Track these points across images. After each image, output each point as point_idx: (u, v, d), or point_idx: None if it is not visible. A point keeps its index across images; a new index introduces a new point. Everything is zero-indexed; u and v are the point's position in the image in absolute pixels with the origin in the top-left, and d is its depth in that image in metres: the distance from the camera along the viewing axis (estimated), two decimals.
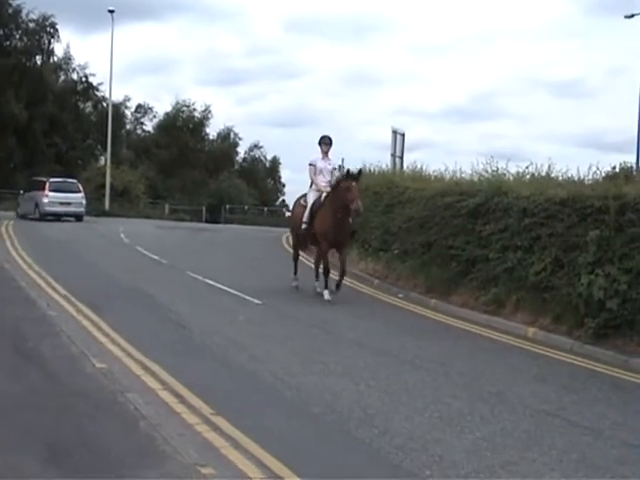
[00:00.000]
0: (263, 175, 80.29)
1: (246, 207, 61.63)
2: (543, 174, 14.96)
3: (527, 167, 15.49)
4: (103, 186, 47.45)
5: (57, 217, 33.78)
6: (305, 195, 15.92)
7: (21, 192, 38.68)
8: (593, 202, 12.30)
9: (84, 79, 62.22)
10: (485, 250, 14.35)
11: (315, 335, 11.52)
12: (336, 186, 14.59)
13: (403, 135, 24.72)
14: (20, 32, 57.09)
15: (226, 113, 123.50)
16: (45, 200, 33.74)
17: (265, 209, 63.25)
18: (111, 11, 47.59)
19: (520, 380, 9.64)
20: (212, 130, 75.19)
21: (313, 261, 16.26)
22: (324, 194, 15.09)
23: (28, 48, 57.07)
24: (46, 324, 10.81)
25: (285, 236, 28.86)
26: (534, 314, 13.10)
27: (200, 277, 16.54)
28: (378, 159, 17.54)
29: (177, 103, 71.88)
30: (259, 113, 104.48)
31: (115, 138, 53.18)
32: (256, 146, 79.79)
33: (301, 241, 16.29)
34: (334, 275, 14.99)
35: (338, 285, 14.84)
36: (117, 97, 64.72)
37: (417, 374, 9.39)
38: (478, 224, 14.67)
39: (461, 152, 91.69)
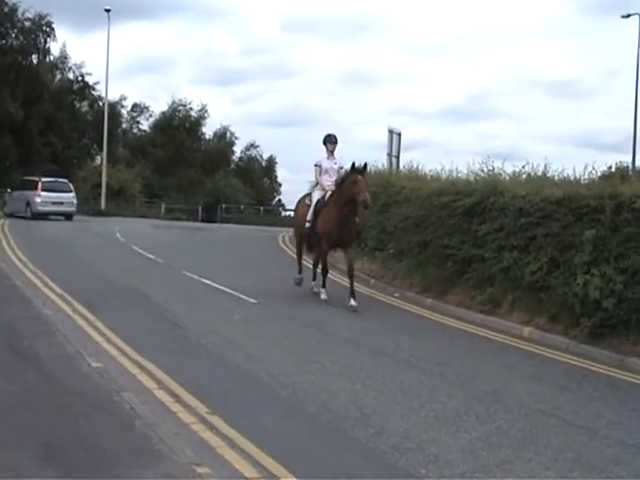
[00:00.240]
0: (259, 174, 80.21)
1: (242, 206, 61.57)
2: (539, 174, 14.97)
3: (523, 167, 15.52)
4: (99, 185, 47.42)
5: (44, 216, 33.88)
6: (309, 194, 15.80)
7: (8, 190, 38.65)
8: (589, 202, 12.30)
9: (80, 78, 62.10)
10: (481, 250, 14.36)
11: (311, 334, 11.52)
12: (341, 182, 14.28)
13: (399, 135, 24.73)
14: (16, 31, 56.93)
15: (222, 112, 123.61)
16: (38, 199, 33.98)
17: (261, 209, 63.17)
18: (107, 10, 47.64)
19: (516, 379, 9.65)
20: (208, 129, 75.28)
21: (312, 261, 16.00)
22: (329, 193, 14.77)
23: (24, 47, 56.93)
24: (42, 323, 10.80)
25: (281, 235, 28.89)
26: (530, 314, 13.11)
27: (196, 276, 16.53)
28: (374, 159, 17.56)
29: (173, 102, 71.95)
30: (255, 113, 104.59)
31: (111, 137, 53.11)
32: (252, 145, 79.81)
33: (306, 242, 15.84)
34: (334, 276, 14.98)
35: (353, 294, 13.93)
36: (113, 96, 64.68)
37: (413, 373, 9.40)
38: (474, 224, 14.67)
39: (458, 152, 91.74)
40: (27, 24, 57.42)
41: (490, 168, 15.96)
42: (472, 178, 16.28)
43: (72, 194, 35.62)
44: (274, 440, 6.46)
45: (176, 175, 67.34)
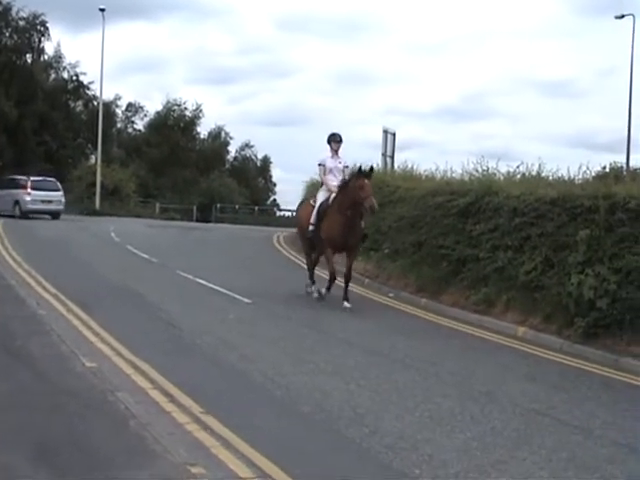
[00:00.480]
0: (254, 174, 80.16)
1: (237, 206, 61.57)
2: (533, 174, 15.00)
3: (518, 167, 15.56)
4: (94, 185, 47.32)
5: (26, 215, 33.99)
6: (306, 200, 15.56)
7: None
8: (583, 202, 12.33)
9: (75, 78, 61.97)
10: (475, 250, 14.37)
11: (305, 334, 11.51)
12: (345, 185, 13.99)
13: (394, 135, 24.76)
14: (10, 30, 56.77)
15: (217, 112, 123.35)
16: (27, 198, 34.17)
17: (256, 208, 63.20)
18: (102, 10, 47.52)
19: (510, 379, 9.66)
20: (203, 129, 75.19)
21: (312, 261, 15.59)
22: (333, 195, 14.45)
23: (18, 46, 56.80)
24: (35, 323, 10.78)
25: (276, 235, 28.89)
26: (524, 313, 13.12)
27: (190, 276, 16.51)
28: (369, 158, 17.51)
29: (168, 102, 71.84)
30: (250, 112, 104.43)
31: (106, 137, 53.09)
32: (247, 145, 79.75)
33: (310, 245, 15.44)
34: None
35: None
36: (108, 96, 64.49)
37: (407, 373, 9.40)
38: (468, 224, 14.69)
39: (453, 152, 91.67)
40: (21, 23, 57.28)
41: (484, 168, 16.01)
42: (467, 178, 16.32)
43: (60, 193, 35.85)
44: (268, 440, 6.46)
45: (171, 175, 67.28)
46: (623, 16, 39.61)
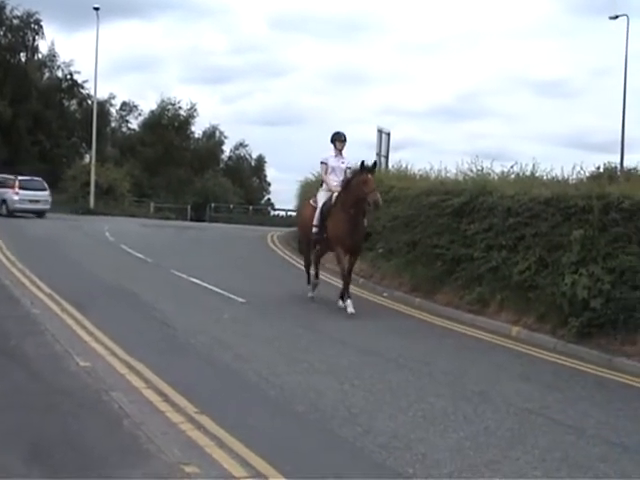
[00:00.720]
0: (248, 174, 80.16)
1: (231, 206, 61.55)
2: (528, 174, 15.01)
3: (512, 167, 15.58)
4: (88, 184, 47.32)
5: (12, 213, 34.26)
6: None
7: None
8: (577, 202, 12.35)
9: (69, 77, 61.96)
10: (470, 249, 14.38)
11: (300, 334, 11.52)
12: (348, 183, 13.73)
13: (388, 134, 24.76)
14: (4, 29, 56.77)
15: (212, 111, 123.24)
16: (16, 197, 34.51)
17: (250, 208, 63.21)
18: (96, 8, 47.47)
19: (504, 379, 9.68)
20: (197, 128, 75.17)
21: (313, 262, 15.20)
22: (335, 194, 14.14)
23: (12, 45, 56.80)
24: (30, 322, 10.77)
25: (270, 235, 28.91)
26: (518, 313, 13.14)
27: (185, 276, 16.52)
28: (364, 158, 17.44)
29: (162, 101, 71.84)
30: (245, 111, 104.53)
31: (100, 136, 53.02)
32: (241, 144, 79.76)
33: (313, 247, 15.03)
34: (325, 276, 14.93)
35: (343, 294, 13.82)
36: (102, 95, 64.43)
37: (401, 373, 9.41)
38: (463, 223, 14.69)
39: (447, 151, 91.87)
40: (15, 22, 57.29)
41: (479, 168, 16.01)
42: (461, 178, 16.32)
43: (47, 192, 36.24)
44: (262, 439, 6.46)
45: (165, 174, 67.24)
46: (617, 16, 39.71)
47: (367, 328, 12.43)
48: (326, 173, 14.63)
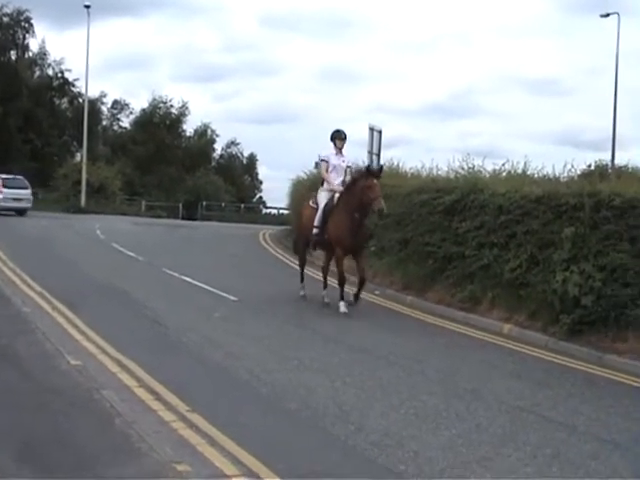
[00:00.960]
0: (240, 172, 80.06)
1: (223, 204, 61.47)
2: (519, 172, 15.05)
3: (503, 164, 15.60)
4: (79, 182, 47.20)
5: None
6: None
7: None
8: (568, 199, 12.38)
9: (60, 75, 61.77)
10: (461, 247, 14.40)
11: (291, 332, 11.53)
12: (352, 184, 13.38)
13: (380, 132, 24.72)
14: None
15: (203, 110, 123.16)
16: (0, 196, 34.70)
17: (242, 206, 63.16)
18: (87, 6, 47.33)
19: (495, 377, 9.70)
20: (189, 127, 75.05)
21: (321, 268, 15.20)
22: (337, 194, 13.80)
23: (2, 43, 56.56)
24: (21, 321, 10.74)
25: (262, 233, 28.90)
26: (510, 311, 13.17)
27: (176, 274, 16.50)
28: (355, 156, 17.48)
29: (154, 99, 71.67)
30: (237, 110, 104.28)
31: (91, 134, 52.88)
32: (233, 143, 79.65)
33: (313, 248, 14.91)
34: (314, 274, 14.92)
35: (357, 296, 13.64)
36: (93, 93, 64.39)
37: (393, 371, 9.42)
38: (454, 221, 14.71)
39: (439, 149, 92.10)
40: (5, 20, 57.09)
41: (470, 166, 16.02)
42: (452, 176, 16.33)
43: (29, 191, 36.67)
44: (254, 437, 6.46)
45: (157, 172, 67.12)
46: (608, 15, 39.79)
47: (358, 326, 12.43)
48: (327, 171, 14.27)
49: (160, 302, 13.01)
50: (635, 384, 9.83)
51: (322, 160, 14.50)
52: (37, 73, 62.33)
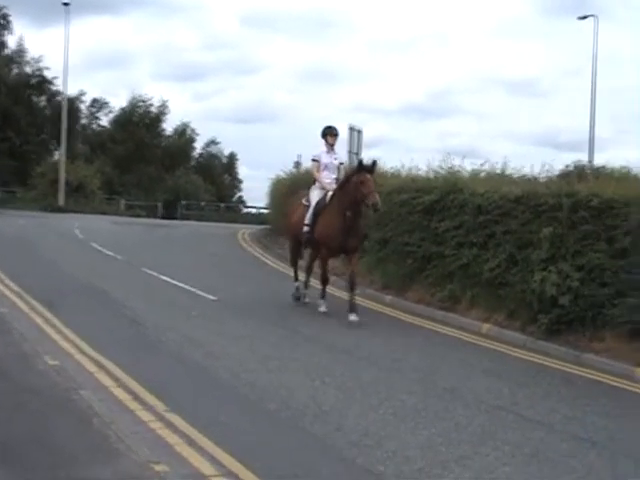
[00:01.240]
0: (220, 171, 79.79)
1: (203, 203, 61.29)
2: (498, 172, 15.10)
3: (482, 164, 15.64)
4: (57, 181, 46.95)
5: None
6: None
7: None
8: (547, 200, 12.43)
9: (38, 73, 61.35)
10: (440, 247, 14.43)
11: (271, 332, 11.52)
12: (345, 182, 12.98)
13: (360, 132, 24.73)
14: None
15: (183, 108, 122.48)
16: None
17: (222, 205, 63.01)
18: (66, 4, 47.04)
19: (474, 376, 9.74)
20: (169, 126, 74.70)
21: (290, 265, 15.03)
22: (330, 193, 13.36)
23: None
24: None
25: (241, 232, 28.86)
26: (489, 310, 13.22)
27: (155, 273, 16.45)
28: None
29: (133, 98, 71.31)
30: (217, 109, 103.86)
31: (70, 133, 52.52)
32: (213, 142, 79.31)
33: (304, 247, 14.41)
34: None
35: (353, 307, 12.82)
36: (72, 91, 63.80)
37: (372, 370, 9.43)
38: (434, 221, 14.74)
39: (419, 149, 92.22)
40: None
41: (450, 166, 16.04)
42: (432, 175, 16.34)
43: None
44: (233, 437, 6.45)
45: (136, 171, 66.80)
46: (586, 17, 40.01)
47: (338, 326, 12.42)
48: (318, 171, 13.81)
49: (139, 301, 12.97)
50: (612, 383, 9.89)
51: (313, 160, 14.07)
52: (15, 71, 61.79)
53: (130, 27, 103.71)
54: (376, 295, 15.56)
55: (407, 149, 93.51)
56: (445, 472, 6.01)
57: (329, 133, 13.90)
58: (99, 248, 21.25)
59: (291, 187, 22.59)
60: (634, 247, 11.05)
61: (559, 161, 17.73)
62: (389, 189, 16.62)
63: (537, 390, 9.21)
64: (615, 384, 9.87)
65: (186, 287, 14.86)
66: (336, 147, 14.27)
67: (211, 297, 13.85)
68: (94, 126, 73.68)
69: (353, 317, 12.59)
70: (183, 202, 57.42)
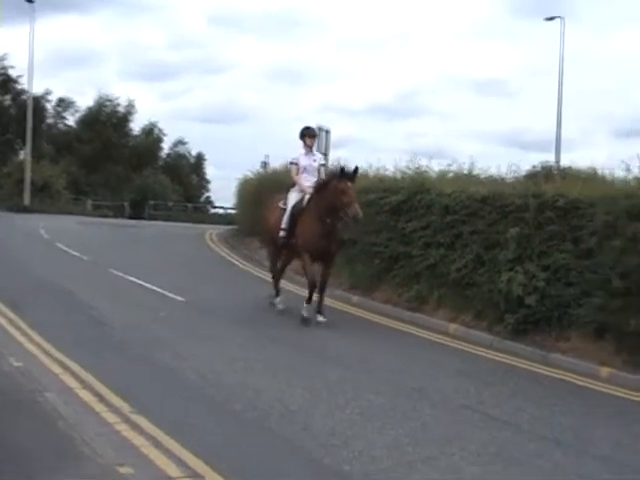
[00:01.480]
0: (188, 171, 79.43)
1: (170, 203, 61.01)
2: (465, 172, 15.14)
3: (449, 165, 15.67)
4: (23, 181, 46.49)
5: None
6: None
7: None
8: (514, 200, 12.50)
9: (2, 71, 60.77)
10: (408, 247, 14.45)
11: (237, 332, 11.48)
12: (324, 186, 12.56)
13: (328, 132, 24.74)
14: None
15: (150, 108, 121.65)
16: None
17: (189, 206, 62.79)
18: (30, 1, 46.52)
19: (441, 376, 9.77)
20: (136, 125, 74.23)
21: (270, 270, 14.47)
22: (307, 196, 12.98)
23: None
24: None
25: (209, 233, 28.76)
26: (456, 310, 13.25)
27: (122, 274, 16.33)
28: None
29: (100, 97, 70.77)
30: (184, 108, 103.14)
31: (35, 132, 52.05)
32: (180, 142, 78.90)
33: (280, 252, 13.93)
34: (260, 273, 14.85)
35: (321, 307, 12.75)
36: (38, 90, 63.30)
37: (339, 370, 9.42)
38: (401, 221, 14.75)
39: (386, 149, 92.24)
40: None
41: (417, 166, 16.07)
42: (399, 176, 16.37)
43: None
44: (199, 438, 6.42)
45: (103, 171, 66.31)
46: (553, 18, 40.36)
47: (305, 327, 12.39)
48: (297, 174, 13.35)
49: (105, 302, 12.88)
50: (578, 382, 9.97)
51: (291, 163, 13.67)
52: None
53: (97, 26, 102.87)
54: (343, 295, 15.54)
55: (374, 149, 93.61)
56: (411, 472, 6.02)
57: (307, 134, 13.52)
58: (65, 248, 21.06)
59: (258, 187, 22.56)
60: (599, 247, 11.14)
61: (526, 161, 17.83)
62: (356, 189, 16.62)
63: (504, 390, 9.26)
64: (581, 383, 9.95)
65: (153, 288, 14.77)
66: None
67: (179, 298, 13.78)
68: (60, 125, 73.03)
69: (321, 318, 12.58)
70: (150, 202, 57.12)
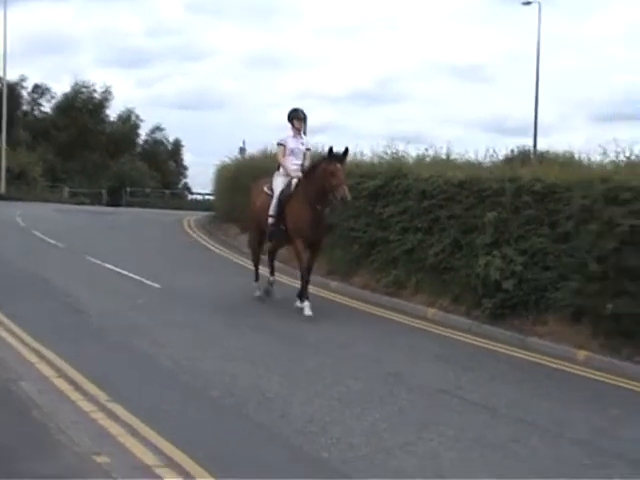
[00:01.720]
0: (165, 158, 79.01)
1: (148, 190, 60.74)
2: (443, 157, 15.14)
3: (427, 150, 15.67)
4: None
5: None
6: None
7: None
8: (491, 184, 12.51)
9: None
10: (385, 232, 14.45)
11: (215, 319, 11.43)
12: (312, 170, 12.36)
13: (305, 118, 24.69)
14: None
15: (127, 95, 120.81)
16: None
17: (167, 192, 62.52)
18: None
19: (419, 360, 9.78)
20: (113, 112, 73.72)
21: (252, 256, 14.40)
22: (294, 180, 12.69)
23: None
24: None
25: (187, 219, 28.67)
26: (434, 295, 13.27)
27: (99, 261, 16.24)
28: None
29: (76, 84, 70.19)
30: (162, 95, 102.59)
31: (10, 119, 51.64)
32: (158, 128, 78.41)
33: (269, 240, 13.56)
34: (241, 260, 14.80)
35: (303, 293, 12.46)
36: (12, 77, 62.75)
37: (317, 357, 9.42)
38: (378, 206, 14.75)
39: (366, 135, 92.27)
40: None
41: (394, 151, 16.06)
42: (376, 161, 16.35)
43: None
44: (176, 426, 6.39)
45: (80, 158, 65.84)
46: (530, 3, 40.47)
47: (282, 312, 12.37)
48: (284, 156, 12.97)
49: (82, 290, 12.81)
50: (555, 366, 10.00)
51: (279, 144, 13.20)
52: None
53: (73, 12, 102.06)
54: (321, 281, 15.50)
55: (354, 135, 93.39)
56: (389, 458, 6.01)
57: (295, 117, 13.18)
58: (41, 236, 20.92)
59: (236, 173, 22.50)
60: (576, 231, 11.17)
61: (504, 146, 17.75)
62: None
63: (482, 374, 9.28)
64: (558, 367, 9.98)
65: (130, 275, 14.70)
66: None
67: (156, 285, 13.72)
68: (36, 112, 72.40)
69: (303, 305, 12.33)
70: (128, 189, 56.88)
